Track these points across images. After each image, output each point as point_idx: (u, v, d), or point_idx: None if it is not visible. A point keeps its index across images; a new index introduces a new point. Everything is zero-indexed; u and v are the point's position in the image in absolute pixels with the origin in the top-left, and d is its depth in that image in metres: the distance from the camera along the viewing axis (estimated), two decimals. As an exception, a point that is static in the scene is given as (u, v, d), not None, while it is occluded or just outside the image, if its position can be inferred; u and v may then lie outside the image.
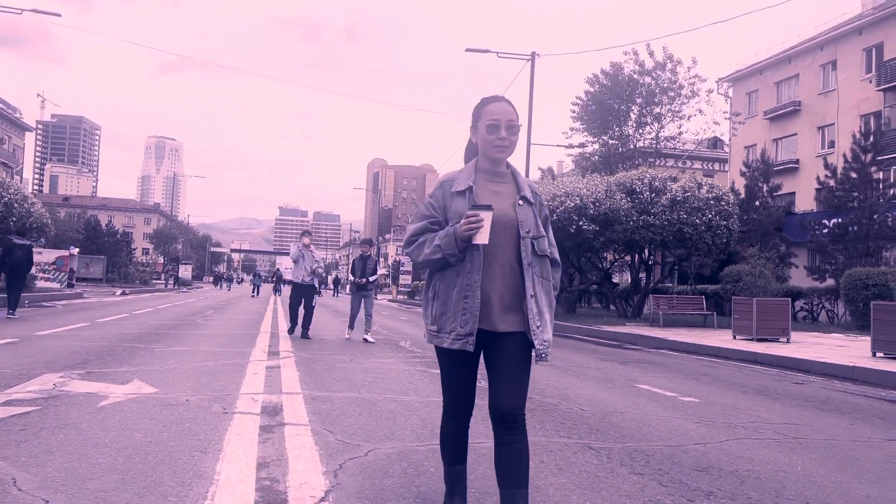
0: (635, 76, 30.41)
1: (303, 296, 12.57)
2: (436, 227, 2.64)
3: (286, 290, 35.38)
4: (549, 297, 2.68)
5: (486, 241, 2.45)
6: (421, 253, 2.62)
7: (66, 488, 3.12)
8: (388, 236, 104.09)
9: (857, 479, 3.86)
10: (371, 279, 12.22)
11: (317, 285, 12.79)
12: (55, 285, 31.75)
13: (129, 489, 3.13)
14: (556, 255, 2.76)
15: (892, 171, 25.92)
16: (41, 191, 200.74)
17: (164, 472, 3.44)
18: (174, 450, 3.88)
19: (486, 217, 2.43)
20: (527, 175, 26.27)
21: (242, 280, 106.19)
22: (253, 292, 44.56)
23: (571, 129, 32.16)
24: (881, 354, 10.25)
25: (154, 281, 56.55)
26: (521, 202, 2.64)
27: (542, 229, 2.69)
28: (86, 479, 3.26)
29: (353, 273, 12.40)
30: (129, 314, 16.83)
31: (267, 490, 3.20)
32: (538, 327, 2.58)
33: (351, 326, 12.30)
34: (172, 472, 3.44)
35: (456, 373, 2.70)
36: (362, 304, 12.30)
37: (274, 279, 48.41)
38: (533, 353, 2.60)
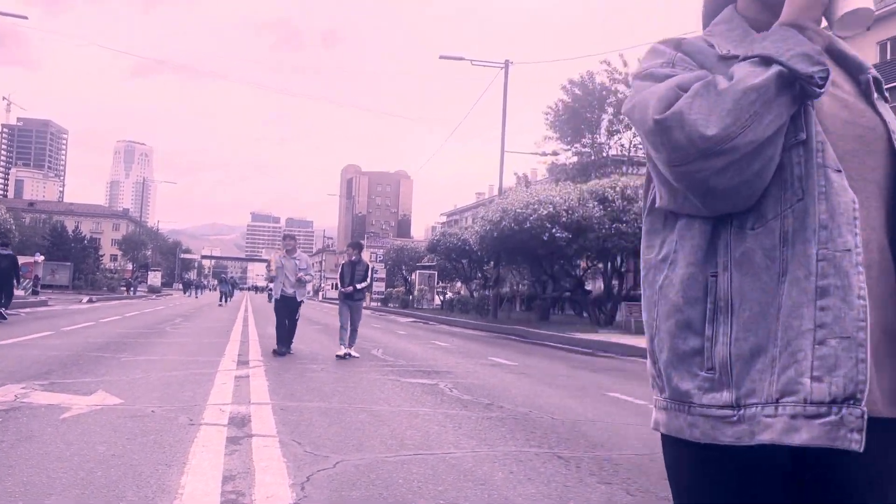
0: (607, 83, 30.76)
1: (289, 310, 10.90)
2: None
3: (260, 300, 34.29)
4: None
5: (872, 5, 1.08)
6: (718, 99, 0.97)
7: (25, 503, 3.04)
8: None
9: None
10: (359, 286, 11.05)
11: (298, 298, 11.04)
12: (19, 293, 30.88)
13: (89, 504, 3.07)
14: None
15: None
16: (6, 196, 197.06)
17: (126, 486, 3.37)
18: (138, 463, 3.81)
19: None
20: (501, 181, 25.97)
21: (215, 287, 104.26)
22: (221, 300, 40.96)
23: (546, 137, 32.48)
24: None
25: (122, 288, 55.56)
26: (875, 94, 1.15)
27: None
28: (45, 495, 3.18)
29: (341, 280, 11.16)
30: (95, 322, 16.53)
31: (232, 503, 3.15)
32: None
33: (342, 341, 10.61)
34: (136, 486, 3.38)
35: None
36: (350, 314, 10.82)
37: (229, 285, 46.02)
38: None
